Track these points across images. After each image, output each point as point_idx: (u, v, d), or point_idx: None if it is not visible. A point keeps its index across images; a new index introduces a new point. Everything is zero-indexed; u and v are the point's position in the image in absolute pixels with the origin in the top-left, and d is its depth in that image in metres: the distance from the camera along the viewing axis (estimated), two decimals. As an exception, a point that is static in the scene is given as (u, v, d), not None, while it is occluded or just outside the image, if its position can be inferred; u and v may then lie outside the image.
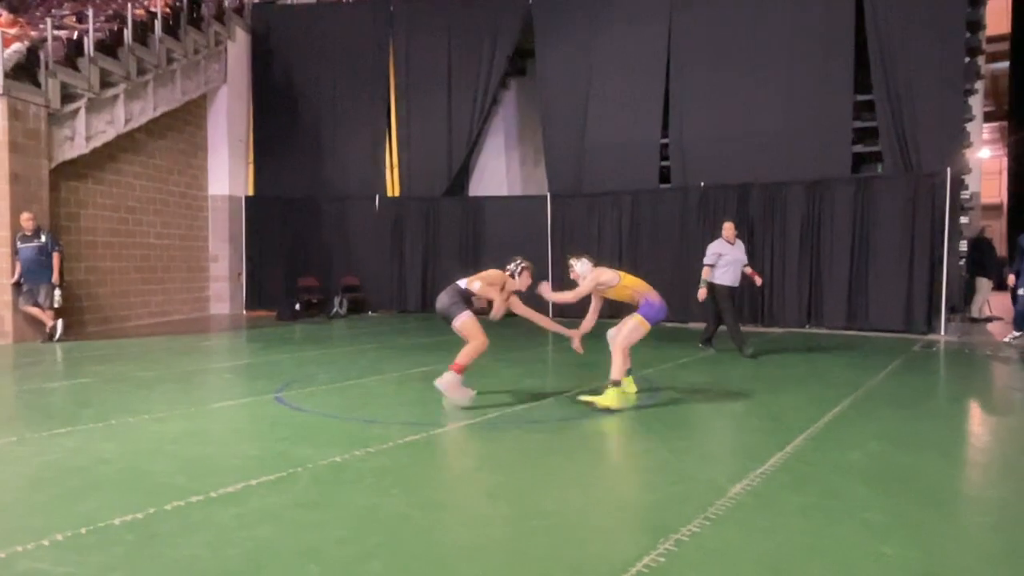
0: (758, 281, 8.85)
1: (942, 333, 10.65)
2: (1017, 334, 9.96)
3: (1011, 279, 10.11)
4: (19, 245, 9.61)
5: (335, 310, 13.82)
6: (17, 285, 9.67)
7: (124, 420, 5.13)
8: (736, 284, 8.68)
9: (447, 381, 5.50)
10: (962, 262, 12.07)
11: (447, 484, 4.05)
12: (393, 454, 4.37)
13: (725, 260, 8.56)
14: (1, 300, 9.70)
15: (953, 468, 4.31)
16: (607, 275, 5.87)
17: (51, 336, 9.72)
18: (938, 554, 2.94)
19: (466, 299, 5.64)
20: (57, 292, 9.79)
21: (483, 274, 5.81)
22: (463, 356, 5.54)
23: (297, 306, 13.41)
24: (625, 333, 5.67)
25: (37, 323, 9.82)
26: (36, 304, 9.74)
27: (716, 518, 3.24)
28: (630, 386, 6.05)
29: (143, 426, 4.98)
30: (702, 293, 8.58)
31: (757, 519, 3.26)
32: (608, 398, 5.47)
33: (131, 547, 2.91)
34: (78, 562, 2.76)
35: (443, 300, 5.65)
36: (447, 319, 5.62)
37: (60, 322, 9.81)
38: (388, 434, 4.74)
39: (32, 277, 9.66)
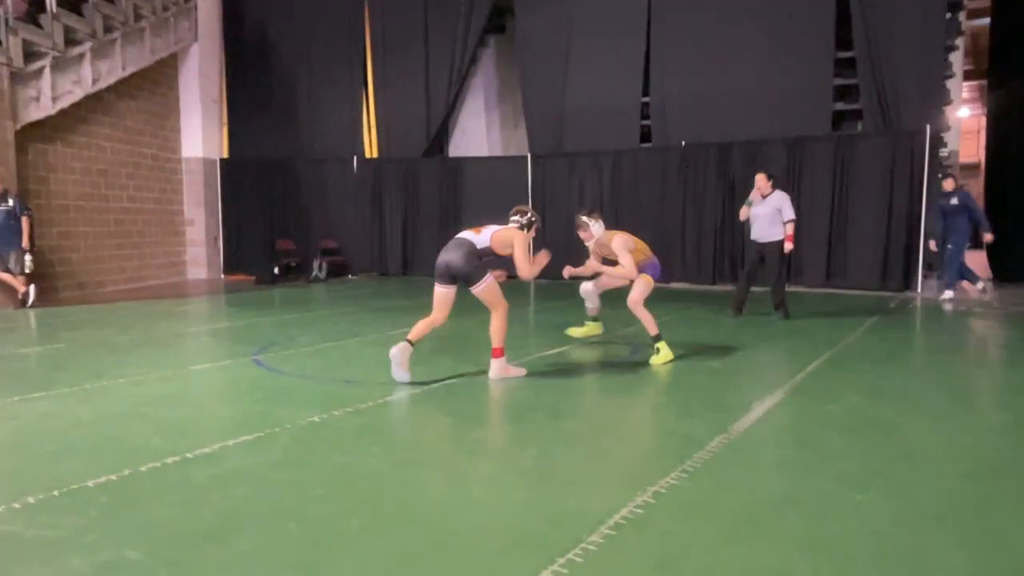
0: (786, 247, 7.87)
1: (919, 291, 10.76)
2: (951, 293, 10.03)
3: (932, 244, 10.20)
4: (-13, 209, 9.37)
5: (314, 274, 13.70)
6: (-14, 250, 9.45)
7: (99, 384, 5.05)
8: (760, 240, 7.97)
9: (498, 369, 5.14)
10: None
11: (426, 442, 4.05)
12: (372, 414, 4.35)
13: (752, 213, 8.06)
14: (-30, 266, 9.48)
15: (928, 420, 4.36)
16: (630, 240, 5.94)
17: (24, 302, 9.54)
18: (912, 502, 2.99)
19: (482, 258, 5.05)
20: (28, 257, 9.58)
21: (502, 235, 5.10)
22: (497, 336, 5.09)
23: (276, 270, 13.27)
24: (638, 291, 5.83)
25: (9, 289, 9.63)
26: (7, 270, 9.53)
27: (693, 471, 3.26)
28: (595, 328, 6.60)
29: (118, 390, 4.91)
30: (789, 247, 7.96)
31: (734, 471, 3.29)
32: (661, 356, 5.71)
33: (105, 509, 2.87)
34: (50, 524, 2.72)
35: (459, 259, 4.95)
36: (468, 281, 4.99)
37: (32, 288, 9.62)
38: (367, 394, 4.72)
39: (2, 243, 9.43)
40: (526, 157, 13.55)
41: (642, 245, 6.04)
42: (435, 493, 3.14)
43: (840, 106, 11.80)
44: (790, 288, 11.37)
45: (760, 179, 8.03)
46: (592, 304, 6.62)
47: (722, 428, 3.89)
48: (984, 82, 16.45)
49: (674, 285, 12.19)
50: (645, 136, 12.87)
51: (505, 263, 5.16)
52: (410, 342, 5.01)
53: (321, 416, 4.19)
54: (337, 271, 14.15)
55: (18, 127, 10.08)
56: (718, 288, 11.79)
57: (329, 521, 2.77)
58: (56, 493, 3.00)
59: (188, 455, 3.50)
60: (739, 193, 11.81)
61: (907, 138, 10.77)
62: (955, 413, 4.61)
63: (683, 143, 12.18)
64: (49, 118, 10.64)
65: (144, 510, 2.87)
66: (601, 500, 2.92)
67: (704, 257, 12.15)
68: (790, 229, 7.81)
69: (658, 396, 4.71)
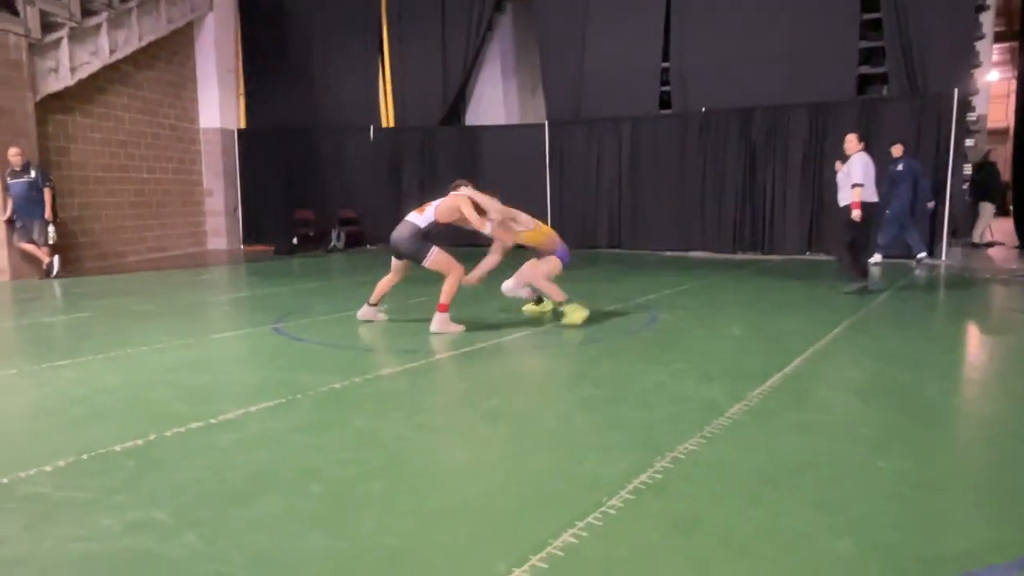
0: (854, 214, 7.17)
1: (943, 258, 10.60)
2: (924, 253, 9.92)
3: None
4: (9, 181, 9.47)
5: (332, 244, 13.75)
6: (10, 222, 9.58)
7: (124, 352, 5.13)
8: (839, 203, 7.51)
9: (438, 323, 5.58)
10: (966, 186, 11.92)
11: (446, 408, 4.08)
12: (392, 380, 4.38)
13: (839, 178, 7.51)
14: (-4, 237, 9.63)
15: (950, 385, 4.33)
16: (524, 217, 5.86)
17: (48, 272, 9.69)
18: (932, 466, 2.97)
19: (428, 235, 5.58)
20: (51, 228, 9.70)
21: (446, 204, 5.60)
22: (446, 294, 5.60)
23: (294, 240, 13.33)
24: (545, 268, 5.87)
25: (34, 260, 9.77)
26: (31, 241, 9.67)
27: (713, 436, 3.26)
28: (545, 307, 6.29)
29: (143, 357, 4.99)
30: (856, 214, 7.21)
31: (754, 436, 3.29)
32: (571, 315, 5.79)
33: (132, 472, 2.93)
34: (80, 486, 2.78)
35: (403, 241, 5.59)
36: (415, 259, 5.62)
37: (56, 258, 9.76)
38: (387, 361, 4.76)
39: (24, 213, 9.56)
40: (544, 124, 13.42)
41: (552, 231, 6.09)
42: (455, 456, 3.17)
43: (865, 69, 11.52)
44: (811, 257, 11.30)
45: (850, 139, 7.44)
46: (524, 294, 6.32)
47: (741, 394, 3.88)
48: (1016, 44, 15.94)
49: (693, 254, 12.11)
50: (665, 102, 12.68)
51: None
52: (371, 304, 5.97)
53: (342, 382, 4.23)
54: (355, 241, 14.18)
55: (37, 98, 10.14)
56: (739, 256, 11.69)
57: (352, 483, 2.81)
58: (85, 457, 3.07)
59: (212, 420, 3.55)
60: (760, 160, 11.67)
61: (934, 102, 10.52)
62: (975, 378, 4.57)
63: (703, 109, 11.99)
64: (68, 89, 10.69)
65: (170, 473, 2.92)
66: (620, 464, 2.93)
67: (724, 225, 12.03)
68: (855, 195, 7.14)
69: (676, 363, 4.70)
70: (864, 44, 11.28)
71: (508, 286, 6.21)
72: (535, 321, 6.11)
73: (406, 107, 14.45)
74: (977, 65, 11.07)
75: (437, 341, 5.32)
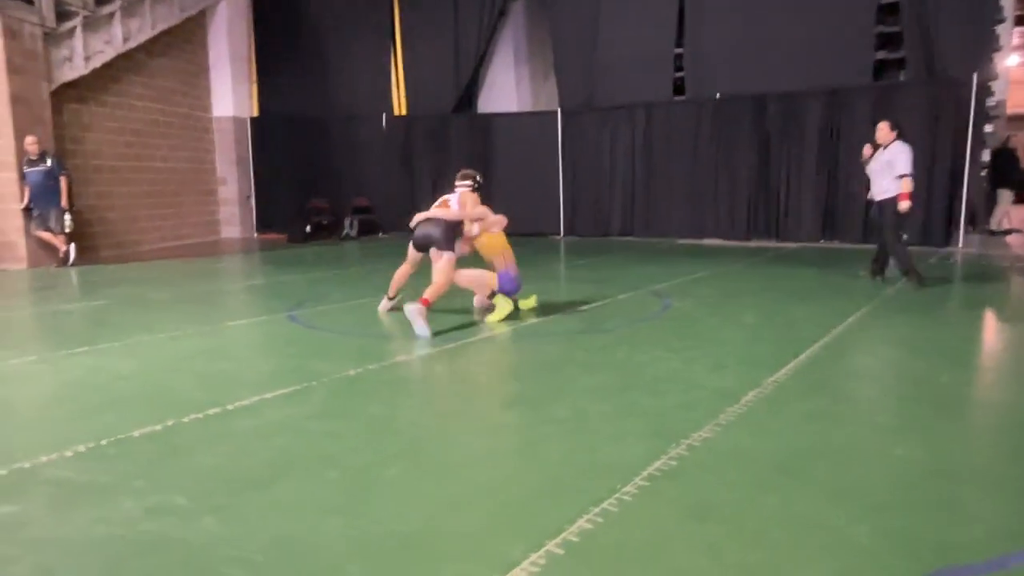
0: (901, 206, 6.77)
1: (960, 245, 10.50)
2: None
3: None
4: (26, 170, 9.55)
5: (346, 232, 13.79)
6: (27, 210, 9.67)
7: (141, 339, 5.19)
8: (874, 197, 7.12)
9: (413, 311, 5.15)
10: (983, 173, 11.77)
11: (460, 395, 4.09)
12: (407, 368, 4.41)
13: (868, 169, 7.19)
14: (13, 226, 9.72)
15: (966, 374, 4.30)
16: (495, 218, 5.78)
17: (65, 261, 9.78)
18: (947, 455, 2.96)
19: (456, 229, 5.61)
20: (67, 216, 9.79)
21: (461, 200, 5.68)
22: (431, 291, 5.32)
23: (308, 228, 13.38)
24: (475, 276, 5.71)
25: (50, 248, 9.87)
26: (48, 229, 9.76)
27: (727, 424, 3.26)
28: (508, 305, 5.73)
29: (160, 344, 5.04)
30: (905, 205, 6.82)
31: (768, 424, 3.28)
32: (500, 310, 5.62)
33: (151, 457, 2.97)
34: (101, 470, 2.82)
35: (437, 233, 5.52)
36: (439, 246, 5.51)
37: (73, 246, 9.85)
38: (402, 349, 4.78)
39: (41, 202, 9.65)
40: (556, 112, 13.36)
41: (508, 248, 5.82)
42: (470, 443, 3.19)
43: (882, 55, 11.38)
44: (826, 245, 11.22)
45: (882, 127, 7.04)
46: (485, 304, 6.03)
47: (756, 382, 3.87)
48: (1036, 27, 15.68)
49: (707, 241, 12.05)
50: (678, 88, 12.59)
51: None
52: (390, 297, 5.95)
53: (356, 370, 4.25)
54: (368, 229, 14.21)
55: (53, 87, 10.20)
56: (752, 244, 11.63)
57: (368, 469, 2.83)
58: (104, 442, 3.11)
59: (229, 407, 3.59)
60: (775, 146, 11.57)
61: (952, 87, 10.37)
62: (992, 367, 4.54)
63: (717, 95, 11.89)
64: (82, 78, 10.75)
65: (188, 458, 2.96)
66: (634, 452, 2.94)
67: (738, 212, 11.95)
68: (904, 186, 6.74)
69: (690, 350, 4.69)
70: (881, 29, 11.13)
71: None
72: (547, 311, 6.11)
73: (418, 95, 14.43)
74: (997, 49, 10.90)
75: (453, 330, 5.33)
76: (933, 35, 10.54)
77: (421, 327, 5.08)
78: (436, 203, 5.73)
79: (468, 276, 5.70)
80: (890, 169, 6.86)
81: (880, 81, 11.32)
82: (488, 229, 5.75)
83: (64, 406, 3.74)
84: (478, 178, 5.86)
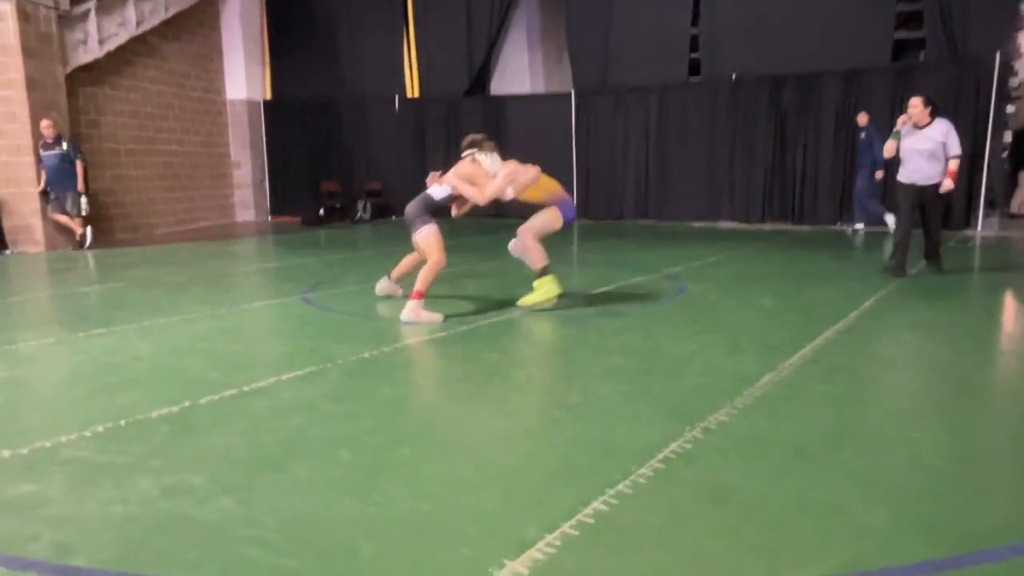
0: (945, 184, 6.37)
1: (979, 228, 10.35)
2: (860, 226, 10.36)
3: (879, 174, 10.03)
4: (42, 153, 9.60)
5: (359, 215, 13.79)
6: (44, 194, 9.74)
7: (157, 321, 5.22)
8: (919, 182, 6.44)
9: (409, 310, 4.99)
10: (1004, 155, 11.58)
11: (475, 377, 4.09)
12: (421, 350, 4.41)
13: (905, 148, 6.50)
14: (30, 209, 9.80)
15: (986, 358, 4.24)
16: (530, 172, 5.23)
17: (81, 244, 9.86)
18: (968, 439, 2.92)
19: (438, 207, 5.15)
20: (83, 200, 9.85)
21: (463, 173, 5.19)
22: (421, 280, 5.05)
23: (321, 211, 13.39)
24: (539, 223, 5.26)
25: (67, 231, 9.94)
26: (64, 212, 9.83)
27: (744, 407, 3.23)
28: (554, 286, 5.35)
29: (175, 326, 5.06)
30: (950, 184, 6.41)
31: (785, 408, 3.25)
32: (540, 293, 5.26)
33: (168, 437, 2.99)
34: (119, 451, 2.84)
35: (410, 209, 5.16)
36: (410, 227, 5.17)
37: (89, 229, 9.92)
38: (416, 331, 4.77)
39: (57, 185, 9.71)
40: (570, 93, 13.24)
41: (554, 182, 5.44)
42: (484, 425, 3.18)
43: (902, 34, 11.17)
44: (842, 227, 11.10)
45: (915, 104, 6.38)
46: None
47: (772, 365, 3.84)
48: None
49: (722, 224, 11.96)
50: (694, 69, 12.43)
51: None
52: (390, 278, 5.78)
53: (371, 352, 4.26)
54: (381, 212, 14.21)
55: (67, 71, 10.22)
56: (768, 227, 11.52)
57: (382, 450, 2.84)
58: (122, 423, 3.13)
59: (244, 388, 3.60)
60: (791, 128, 11.42)
61: (973, 67, 10.18)
62: (1011, 351, 4.47)
63: (734, 76, 11.74)
64: (96, 62, 10.77)
65: (205, 438, 2.98)
66: (650, 434, 2.92)
67: (754, 195, 11.83)
68: (954, 165, 6.36)
69: (706, 334, 4.66)
70: (901, 7, 10.93)
71: (515, 246, 5.52)
72: (561, 294, 6.08)
73: (431, 77, 14.34)
74: (1020, 28, 10.68)
75: (467, 312, 5.32)
76: (953, 13, 10.33)
77: (428, 319, 4.96)
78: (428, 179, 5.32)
79: (533, 242, 5.19)
80: (935, 151, 6.32)
81: (899, 62, 11.12)
82: (525, 188, 5.20)
83: (82, 387, 3.78)
84: (475, 139, 5.33)
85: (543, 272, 5.29)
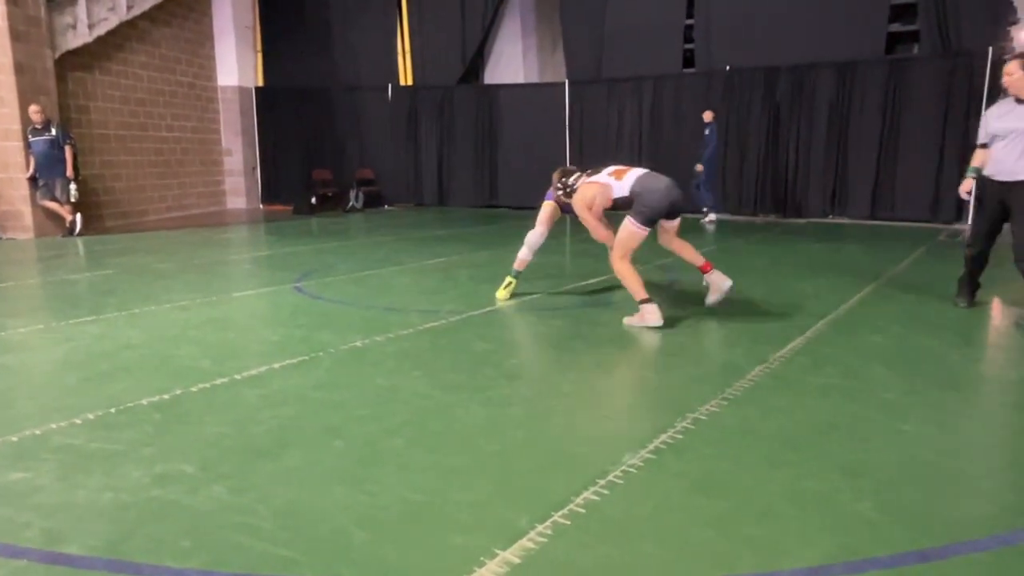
0: None
1: (969, 222, 10.39)
2: (713, 216, 10.90)
3: (699, 167, 10.70)
4: (31, 139, 9.51)
5: (351, 204, 13.74)
6: (33, 180, 9.65)
7: (147, 309, 5.19)
8: (1006, 178, 4.74)
9: (637, 316, 4.60)
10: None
11: (467, 367, 4.08)
12: (413, 339, 4.41)
13: (1004, 131, 4.73)
14: (19, 195, 9.70)
15: (975, 351, 4.28)
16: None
17: (71, 230, 9.78)
18: (956, 431, 2.95)
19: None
20: (72, 186, 9.76)
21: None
22: (634, 283, 4.62)
23: (313, 200, 13.32)
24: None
25: (57, 217, 9.86)
26: (53, 198, 9.74)
27: (734, 398, 3.25)
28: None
29: (166, 314, 5.04)
30: (966, 185, 5.05)
31: (775, 399, 3.28)
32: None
33: (160, 425, 2.99)
34: (109, 438, 2.83)
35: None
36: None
37: (79, 216, 9.84)
38: (407, 321, 4.77)
39: (46, 171, 9.62)
40: (564, 83, 13.21)
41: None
42: (476, 415, 3.19)
43: (896, 27, 11.18)
44: (833, 220, 11.14)
45: (1011, 70, 4.68)
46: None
47: (763, 357, 3.86)
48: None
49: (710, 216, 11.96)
50: (688, 61, 12.42)
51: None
52: (648, 298, 4.62)
53: (363, 341, 4.26)
54: (373, 201, 14.16)
55: (56, 56, 10.11)
56: (760, 219, 11.55)
57: (374, 439, 2.84)
58: (113, 410, 3.13)
59: (236, 376, 3.60)
60: (784, 120, 11.42)
61: (966, 60, 10.20)
62: (1002, 345, 4.51)
63: (727, 67, 11.73)
64: (86, 47, 10.65)
65: (196, 427, 2.97)
66: (640, 425, 2.94)
67: (746, 187, 11.84)
68: None
69: (697, 325, 4.68)
70: (895, 0, 10.93)
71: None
72: (554, 283, 6.10)
73: (424, 65, 14.28)
74: (1015, 22, 10.69)
75: (459, 302, 5.32)
76: (948, 6, 10.35)
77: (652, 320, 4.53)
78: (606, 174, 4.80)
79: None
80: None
81: (892, 55, 11.14)
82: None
83: (72, 374, 3.76)
84: (562, 181, 4.97)
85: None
